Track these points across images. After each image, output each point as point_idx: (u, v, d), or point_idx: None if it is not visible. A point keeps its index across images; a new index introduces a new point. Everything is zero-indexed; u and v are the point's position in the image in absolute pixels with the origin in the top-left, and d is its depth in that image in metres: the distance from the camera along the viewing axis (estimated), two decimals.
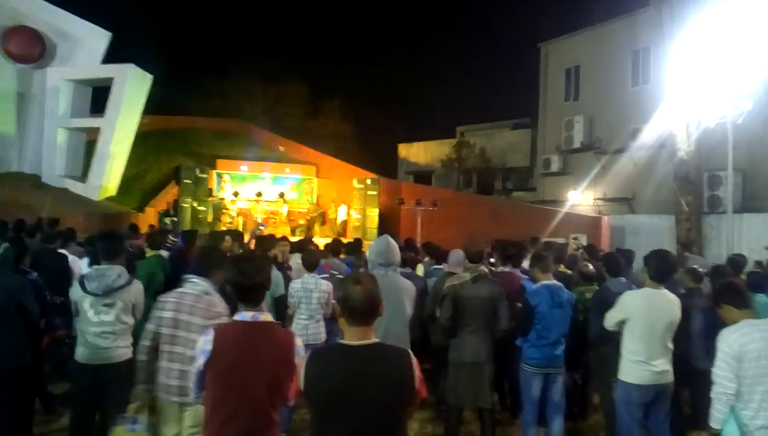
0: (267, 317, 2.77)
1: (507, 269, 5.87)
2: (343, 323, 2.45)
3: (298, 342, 2.80)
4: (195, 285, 3.59)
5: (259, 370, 2.65)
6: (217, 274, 3.60)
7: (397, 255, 4.19)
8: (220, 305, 3.55)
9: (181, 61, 31.14)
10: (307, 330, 5.44)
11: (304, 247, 6.59)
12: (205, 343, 2.66)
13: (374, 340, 2.46)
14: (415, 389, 2.42)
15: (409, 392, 2.42)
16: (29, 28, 15.60)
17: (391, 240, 4.24)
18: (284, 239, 8.13)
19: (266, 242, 7.09)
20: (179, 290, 3.63)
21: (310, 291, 5.55)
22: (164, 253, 6.46)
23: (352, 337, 2.43)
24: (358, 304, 2.41)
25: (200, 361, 2.65)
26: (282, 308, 5.64)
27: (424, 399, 2.53)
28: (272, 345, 2.72)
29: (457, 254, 5.28)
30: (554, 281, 5.00)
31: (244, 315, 2.72)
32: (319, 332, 5.58)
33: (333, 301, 5.86)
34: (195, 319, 3.48)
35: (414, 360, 2.46)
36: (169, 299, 3.61)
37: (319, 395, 2.41)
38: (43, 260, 5.99)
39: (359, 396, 2.33)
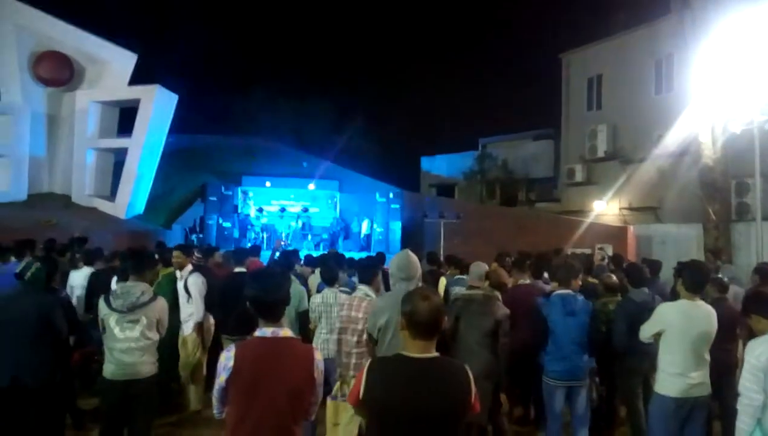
0: (287, 332, 2.79)
1: (527, 280, 5.85)
2: (405, 336, 2.54)
3: (318, 356, 2.83)
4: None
5: (281, 385, 2.67)
6: None
7: (418, 269, 4.21)
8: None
9: (205, 79, 31.68)
10: (328, 344, 5.45)
11: (325, 262, 6.63)
12: (227, 360, 2.68)
13: (435, 354, 2.53)
14: (471, 403, 2.51)
15: (466, 406, 2.50)
16: (58, 52, 16.03)
17: (412, 254, 4.26)
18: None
19: (291, 255, 7.19)
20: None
21: (330, 305, 5.57)
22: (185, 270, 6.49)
23: (413, 349, 2.51)
24: (423, 319, 2.49)
25: (222, 377, 2.68)
26: (305, 323, 5.69)
27: (476, 414, 2.62)
28: (293, 360, 2.74)
29: (477, 267, 5.28)
30: (568, 291, 4.98)
31: (265, 331, 2.75)
32: None
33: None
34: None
35: (471, 375, 2.54)
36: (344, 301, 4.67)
37: (379, 404, 2.47)
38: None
39: (418, 407, 2.41)
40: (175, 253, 6.45)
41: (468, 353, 4.53)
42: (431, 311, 2.49)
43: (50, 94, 16.34)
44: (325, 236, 19.41)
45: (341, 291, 5.82)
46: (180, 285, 6.17)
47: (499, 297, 5.08)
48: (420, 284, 4.15)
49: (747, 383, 3.40)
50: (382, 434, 2.50)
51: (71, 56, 16.25)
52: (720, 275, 6.11)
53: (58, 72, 16.13)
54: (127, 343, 4.22)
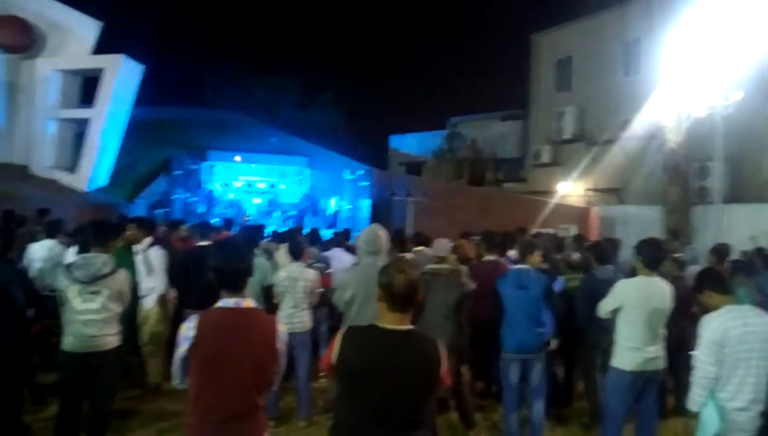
0: (249, 303, 2.77)
1: (493, 257, 5.93)
2: (382, 307, 2.57)
3: (281, 328, 2.83)
4: None
5: (243, 355, 2.66)
6: None
7: (385, 243, 4.25)
8: None
9: (173, 51, 30.93)
10: (292, 319, 5.46)
11: (292, 237, 6.60)
12: (187, 329, 2.66)
13: (410, 327, 2.57)
14: (441, 378, 2.54)
15: (435, 380, 2.54)
16: (18, 17, 15.45)
17: (380, 229, 4.31)
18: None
19: (256, 230, 7.13)
20: None
21: (295, 280, 5.57)
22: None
23: (389, 321, 2.54)
24: (399, 291, 2.52)
25: (183, 347, 2.66)
26: (270, 297, 5.68)
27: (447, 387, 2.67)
28: (255, 331, 2.73)
29: (440, 243, 5.34)
30: (524, 266, 5.07)
31: (227, 301, 2.73)
32: (304, 321, 5.60)
33: (319, 289, 5.92)
34: None
35: (443, 350, 2.58)
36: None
37: (351, 372, 2.50)
38: None
39: (389, 378, 2.44)
40: (130, 226, 6.32)
41: (434, 326, 4.56)
42: (408, 284, 2.53)
43: (9, 61, 15.76)
44: (293, 213, 19.29)
45: (315, 266, 5.81)
46: (138, 259, 6.07)
47: (466, 271, 5.13)
48: (386, 259, 4.18)
49: (702, 356, 3.51)
50: (352, 400, 2.53)
51: (32, 22, 15.68)
52: (680, 255, 6.29)
53: (17, 38, 15.56)
54: (88, 315, 4.15)
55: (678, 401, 5.46)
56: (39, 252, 6.84)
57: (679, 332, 5.06)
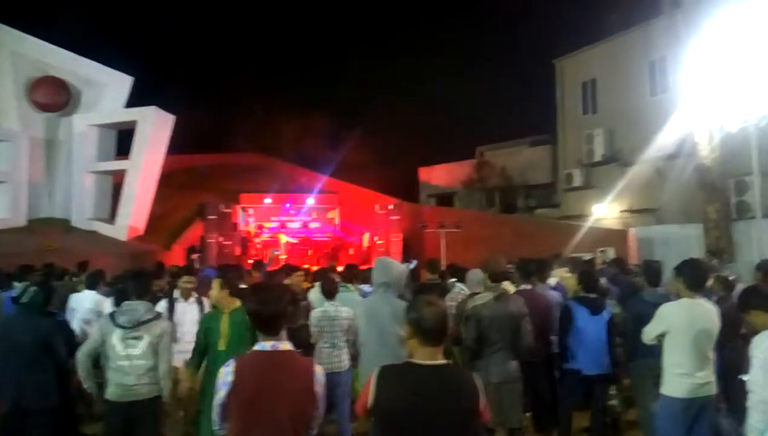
0: (287, 345, 2.77)
1: (528, 286, 5.82)
2: (413, 344, 2.53)
3: (319, 370, 2.81)
4: None
5: (281, 399, 2.65)
6: None
7: (397, 274, 4.23)
8: None
9: (202, 100, 31.71)
10: (330, 358, 5.41)
11: (324, 275, 6.60)
12: (226, 374, 2.66)
13: (444, 361, 2.53)
14: (480, 412, 2.49)
15: (475, 414, 2.49)
16: (55, 77, 16.08)
17: (389, 260, 4.32)
18: (299, 269, 8.19)
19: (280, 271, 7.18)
20: None
21: (332, 319, 5.51)
22: None
23: (422, 357, 2.50)
24: (430, 325, 2.49)
25: (222, 392, 2.66)
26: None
27: (486, 422, 2.61)
28: (293, 374, 2.72)
29: (474, 274, 5.26)
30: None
31: (264, 345, 2.73)
32: (342, 360, 5.52)
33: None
34: None
35: (480, 383, 2.53)
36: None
37: (388, 412, 2.46)
38: None
39: (428, 415, 2.40)
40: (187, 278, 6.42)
41: (495, 356, 4.56)
42: (437, 316, 2.50)
43: (48, 119, 16.36)
44: (326, 251, 19.40)
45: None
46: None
47: (509, 292, 5.02)
48: (402, 287, 4.18)
49: (757, 379, 3.35)
50: None
51: (67, 81, 16.30)
52: (726, 274, 6.09)
53: (55, 97, 16.17)
54: (128, 361, 4.19)
55: (733, 427, 5.21)
56: (83, 303, 6.95)
57: (729, 354, 4.86)
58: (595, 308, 5.20)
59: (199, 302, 6.05)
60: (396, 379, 2.51)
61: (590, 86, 21.76)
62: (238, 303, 4.38)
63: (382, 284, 4.10)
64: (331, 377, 5.06)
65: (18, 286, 6.86)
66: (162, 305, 5.88)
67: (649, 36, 18.22)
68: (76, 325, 6.46)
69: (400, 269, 4.26)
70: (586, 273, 5.77)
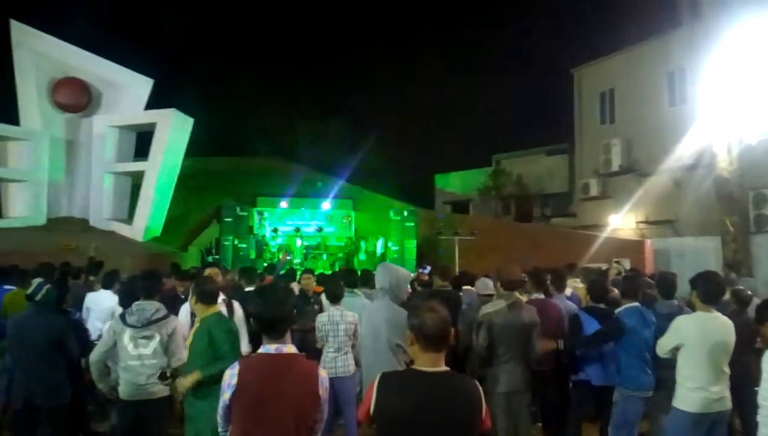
0: (291, 348, 2.78)
1: (540, 295, 5.79)
2: (415, 351, 2.53)
3: (323, 373, 2.82)
4: None
5: (285, 402, 2.66)
6: None
7: (396, 280, 4.25)
8: None
9: (220, 103, 31.98)
10: (335, 363, 5.41)
11: (331, 280, 6.62)
12: (230, 377, 2.68)
13: (446, 368, 2.53)
14: (482, 419, 2.48)
15: (477, 422, 2.48)
16: (76, 79, 16.30)
17: (391, 265, 4.41)
18: (308, 271, 8.20)
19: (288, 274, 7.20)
20: None
21: (336, 324, 5.51)
22: None
23: (424, 363, 2.50)
24: (432, 331, 2.48)
25: (226, 395, 2.68)
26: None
27: (487, 430, 2.58)
28: (297, 377, 2.73)
29: (483, 283, 5.25)
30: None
31: (268, 348, 2.74)
32: (348, 364, 5.51)
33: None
34: None
35: (481, 391, 2.52)
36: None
37: (389, 419, 2.46)
38: None
39: (429, 422, 2.39)
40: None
41: (505, 366, 4.56)
42: (439, 323, 2.49)
43: (68, 120, 16.53)
44: (340, 255, 19.43)
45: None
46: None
47: (522, 301, 4.98)
48: (402, 293, 4.21)
49: (766, 394, 3.32)
50: None
51: (89, 82, 16.53)
52: (741, 287, 6.02)
53: (76, 98, 16.32)
54: (140, 360, 4.25)
55: None
56: (99, 302, 7.01)
57: (743, 368, 4.79)
58: (605, 319, 5.17)
59: (228, 305, 5.71)
60: (397, 386, 2.50)
61: (608, 96, 21.62)
62: (209, 311, 4.21)
63: (380, 290, 4.12)
64: (337, 382, 5.09)
65: (34, 283, 6.99)
66: (186, 308, 5.62)
67: (668, 46, 18.09)
68: (91, 324, 6.58)
69: (401, 274, 4.26)
70: (595, 283, 5.73)
